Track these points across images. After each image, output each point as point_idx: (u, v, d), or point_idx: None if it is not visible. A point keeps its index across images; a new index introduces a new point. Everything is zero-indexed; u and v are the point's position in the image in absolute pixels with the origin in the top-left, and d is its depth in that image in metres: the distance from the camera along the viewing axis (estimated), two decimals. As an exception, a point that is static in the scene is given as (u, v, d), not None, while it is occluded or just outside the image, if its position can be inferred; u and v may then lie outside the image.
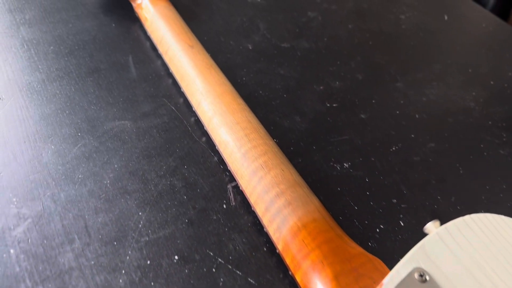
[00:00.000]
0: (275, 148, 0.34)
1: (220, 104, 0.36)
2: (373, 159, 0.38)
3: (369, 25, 0.55)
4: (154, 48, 0.44)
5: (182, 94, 0.40)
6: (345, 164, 0.37)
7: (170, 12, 0.44)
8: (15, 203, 0.29)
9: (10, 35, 0.42)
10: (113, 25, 0.46)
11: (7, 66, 0.38)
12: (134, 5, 0.47)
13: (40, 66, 0.39)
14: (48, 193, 0.30)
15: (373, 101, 0.44)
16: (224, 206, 0.32)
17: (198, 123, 0.38)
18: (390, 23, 0.57)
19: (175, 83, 0.41)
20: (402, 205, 0.35)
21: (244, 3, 0.54)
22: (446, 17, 0.60)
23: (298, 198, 0.30)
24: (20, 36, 0.42)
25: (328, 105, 0.42)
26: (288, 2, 0.56)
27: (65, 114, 0.36)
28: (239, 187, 0.33)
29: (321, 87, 0.44)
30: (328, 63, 0.48)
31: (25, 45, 0.41)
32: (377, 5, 0.60)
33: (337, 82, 0.45)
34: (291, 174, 0.32)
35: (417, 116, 0.43)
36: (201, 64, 0.39)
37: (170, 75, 0.42)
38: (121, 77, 0.40)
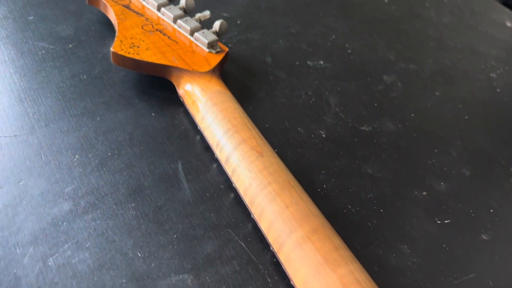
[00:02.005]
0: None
1: (313, 251, 0.27)
2: (515, 312, 0.29)
3: (458, 89, 0.47)
4: (207, 146, 0.36)
5: (251, 220, 0.31)
6: (483, 326, 0.28)
7: (228, 100, 0.36)
8: None
9: (23, 139, 0.33)
10: (153, 114, 0.37)
11: (22, 192, 0.30)
12: (180, 92, 0.38)
13: (65, 190, 0.31)
14: None
15: (491, 210, 0.35)
16: None
17: (280, 270, 0.29)
18: (481, 85, 0.48)
19: (239, 202, 0.32)
20: None
21: (305, 68, 0.45)
22: (543, 72, 0.51)
23: None
24: (36, 140, 0.33)
25: (438, 222, 0.34)
26: (357, 63, 0.47)
27: (103, 270, 0.27)
28: None
29: (424, 193, 0.36)
30: (424, 153, 0.39)
31: (42, 156, 0.32)
32: (461, 60, 0.51)
33: (442, 183, 0.36)
34: None
35: (550, 230, 0.35)
36: (276, 182, 0.30)
37: (231, 187, 0.33)
38: (172, 198, 0.31)
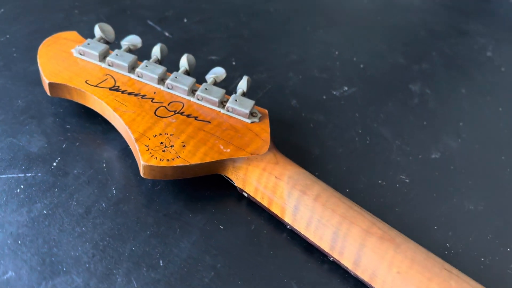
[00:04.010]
0: None
1: None
2: None
3: (476, 79, 0.46)
4: (306, 246, 0.29)
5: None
6: None
7: (312, 182, 0.28)
8: None
9: None
10: (221, 227, 0.28)
11: None
12: (246, 189, 0.30)
13: None
14: None
15: None
16: None
17: None
18: (485, 68, 0.48)
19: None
20: None
21: (335, 100, 0.40)
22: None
23: None
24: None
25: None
26: (377, 79, 0.43)
27: None
28: None
29: (526, 211, 0.34)
30: (498, 164, 0.37)
31: None
32: (457, 45, 0.50)
33: (533, 194, 0.35)
34: None
35: None
36: (435, 275, 0.25)
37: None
38: None
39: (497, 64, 0.49)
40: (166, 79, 0.33)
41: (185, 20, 0.45)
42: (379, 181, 0.34)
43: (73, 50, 0.34)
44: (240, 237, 0.29)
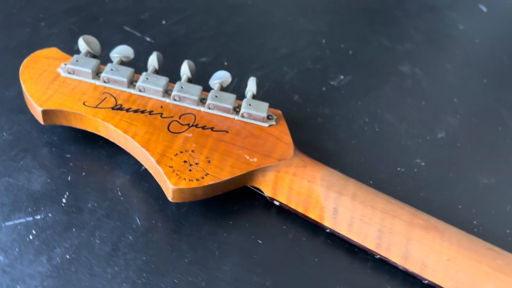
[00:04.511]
0: None
1: None
2: None
3: (459, 53, 0.47)
4: (348, 248, 0.28)
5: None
6: None
7: (345, 180, 0.28)
8: None
9: None
10: (260, 241, 0.27)
11: None
12: (278, 198, 0.28)
13: None
14: None
15: None
16: None
17: None
18: (475, 49, 0.49)
19: (435, 294, 0.27)
20: None
21: (335, 91, 0.39)
22: None
23: None
24: None
25: None
26: (367, 64, 0.42)
27: None
28: None
29: (532, 178, 0.35)
30: (499, 136, 0.38)
31: None
32: (435, 21, 0.51)
33: (534, 160, 0.37)
34: None
35: None
36: (482, 256, 0.25)
37: (418, 283, 0.27)
38: None
39: (470, 36, 0.50)
40: (170, 90, 0.31)
41: (164, 22, 0.42)
42: (398, 168, 0.34)
43: (59, 70, 0.30)
44: (281, 249, 0.27)
